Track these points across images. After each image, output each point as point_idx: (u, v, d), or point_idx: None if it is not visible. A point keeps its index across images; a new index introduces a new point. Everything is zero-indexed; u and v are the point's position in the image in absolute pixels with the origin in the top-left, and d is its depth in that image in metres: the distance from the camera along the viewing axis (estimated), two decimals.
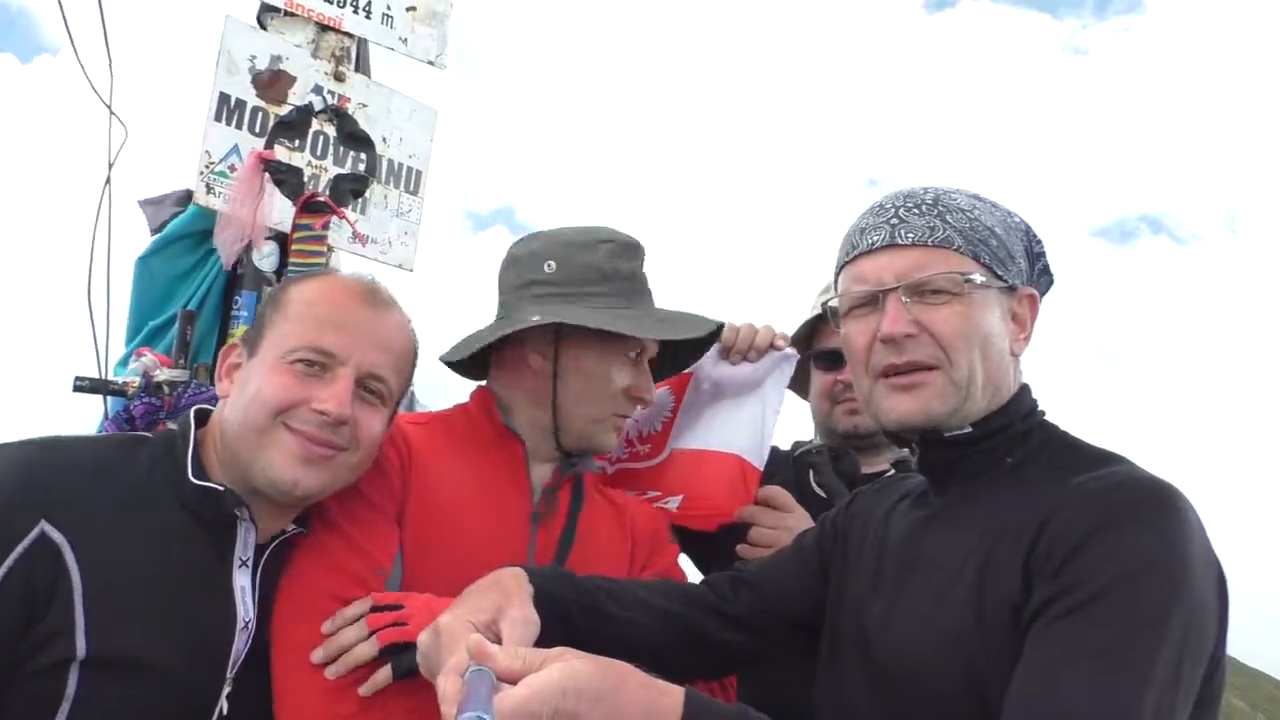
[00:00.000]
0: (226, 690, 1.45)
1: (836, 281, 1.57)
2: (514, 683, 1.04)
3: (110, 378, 2.41)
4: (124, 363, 2.51)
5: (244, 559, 1.51)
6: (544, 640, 1.21)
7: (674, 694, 1.12)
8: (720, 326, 1.98)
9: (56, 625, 1.33)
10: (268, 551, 1.55)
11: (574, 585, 1.50)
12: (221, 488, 1.48)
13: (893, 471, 2.25)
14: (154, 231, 2.63)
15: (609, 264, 1.79)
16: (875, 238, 1.45)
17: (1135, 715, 1.10)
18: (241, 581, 1.50)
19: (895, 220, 1.44)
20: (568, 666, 1.05)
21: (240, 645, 1.48)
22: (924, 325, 1.40)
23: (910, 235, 1.42)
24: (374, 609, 1.49)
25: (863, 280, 1.46)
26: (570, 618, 1.44)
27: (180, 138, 2.58)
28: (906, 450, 2.31)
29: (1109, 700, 1.10)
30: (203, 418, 1.59)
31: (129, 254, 2.60)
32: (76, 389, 2.33)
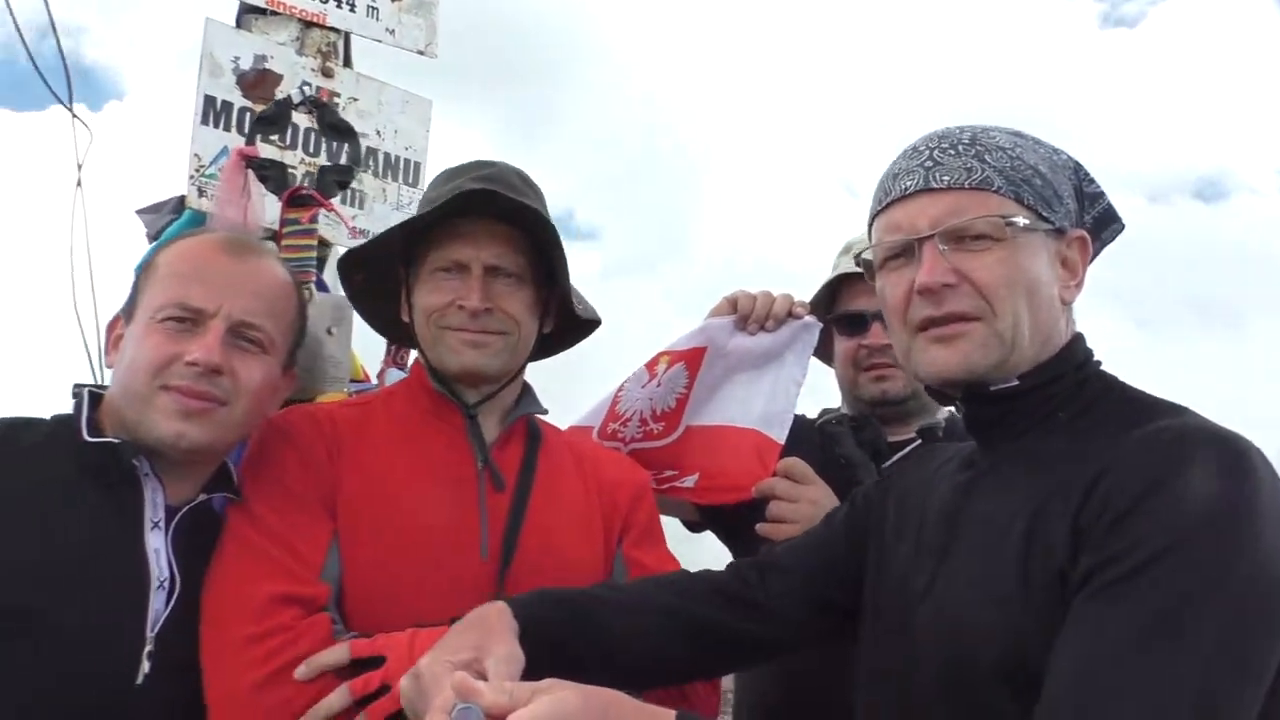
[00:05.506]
0: (148, 649, 1.43)
1: (870, 231, 1.47)
2: (502, 719, 1.03)
3: (107, 383, 2.39)
4: None
5: (155, 520, 1.51)
6: (540, 670, 1.19)
7: (666, 718, 1.10)
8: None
9: None
10: (178, 516, 1.53)
11: (562, 606, 1.44)
12: (117, 440, 1.49)
13: (919, 440, 2.14)
14: (151, 239, 2.63)
15: (435, 190, 1.73)
16: (909, 182, 1.36)
17: (1184, 700, 1.00)
18: (155, 544, 1.49)
19: (930, 163, 1.35)
20: (556, 699, 1.04)
21: (159, 604, 1.46)
22: (964, 274, 1.30)
23: (946, 178, 1.33)
24: (353, 662, 1.41)
25: (896, 229, 1.37)
26: (563, 642, 1.38)
27: (174, 143, 2.56)
28: (939, 416, 2.20)
29: (1154, 686, 1.00)
30: (97, 397, 1.60)
31: (128, 263, 2.59)
32: (75, 396, 2.32)
